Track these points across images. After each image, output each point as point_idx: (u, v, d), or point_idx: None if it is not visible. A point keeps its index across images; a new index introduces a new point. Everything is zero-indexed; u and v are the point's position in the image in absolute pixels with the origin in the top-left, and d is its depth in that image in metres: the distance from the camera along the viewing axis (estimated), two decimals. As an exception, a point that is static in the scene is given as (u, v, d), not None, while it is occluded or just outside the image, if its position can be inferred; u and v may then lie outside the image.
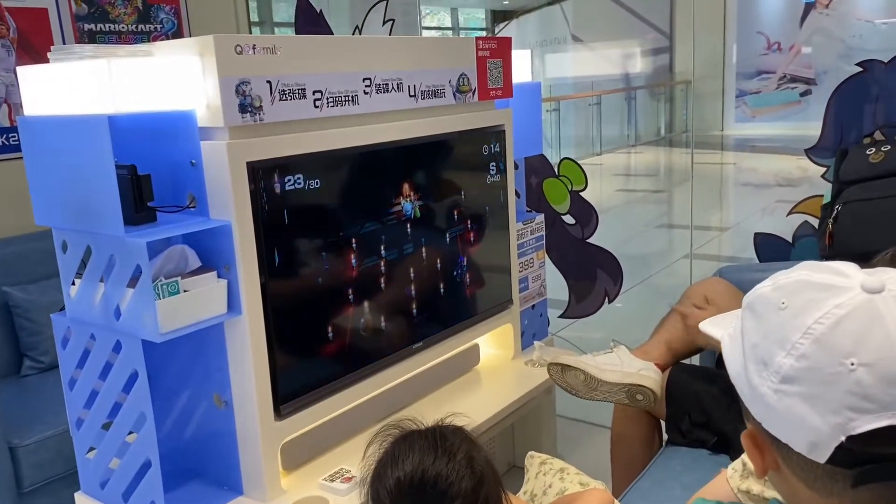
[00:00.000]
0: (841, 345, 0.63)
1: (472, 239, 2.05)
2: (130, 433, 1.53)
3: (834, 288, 0.66)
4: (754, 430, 0.71)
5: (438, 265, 1.95)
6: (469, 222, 2.04)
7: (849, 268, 0.68)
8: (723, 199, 6.92)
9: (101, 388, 1.54)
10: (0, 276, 2.40)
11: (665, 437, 1.90)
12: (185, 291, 1.44)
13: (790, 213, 2.26)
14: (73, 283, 1.54)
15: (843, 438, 0.63)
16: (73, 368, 1.59)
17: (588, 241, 2.64)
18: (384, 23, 2.94)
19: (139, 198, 1.44)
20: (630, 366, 1.82)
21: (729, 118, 8.79)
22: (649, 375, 1.79)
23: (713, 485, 1.24)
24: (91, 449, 1.63)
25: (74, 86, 1.42)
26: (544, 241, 2.40)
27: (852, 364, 0.62)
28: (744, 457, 1.21)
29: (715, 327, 0.80)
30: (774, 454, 0.70)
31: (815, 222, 2.18)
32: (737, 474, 1.22)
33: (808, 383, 0.64)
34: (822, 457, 0.64)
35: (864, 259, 1.17)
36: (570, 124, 9.76)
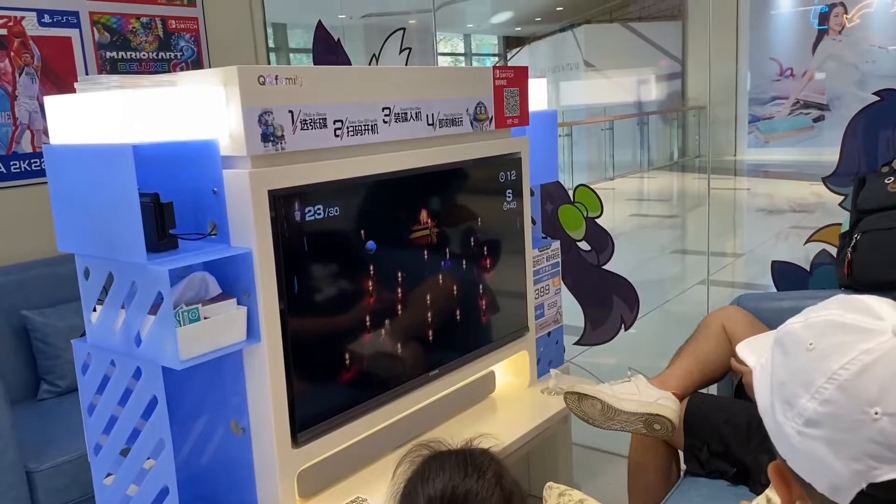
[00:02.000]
0: (866, 392, 0.63)
1: (488, 265, 2.05)
2: (148, 459, 1.54)
3: (865, 331, 0.65)
4: (782, 463, 0.71)
5: (455, 292, 1.95)
6: (485, 249, 2.04)
7: (884, 307, 0.68)
8: (736, 225, 6.90)
9: (121, 413, 1.55)
10: (19, 300, 2.42)
11: (683, 467, 1.89)
12: (205, 318, 1.45)
13: (808, 241, 2.26)
14: (95, 310, 1.55)
15: (864, 486, 0.63)
16: (93, 394, 1.59)
17: (604, 267, 2.64)
18: (401, 51, 2.98)
19: (161, 225, 1.45)
20: (647, 395, 1.81)
21: (742, 143, 8.79)
22: (667, 405, 1.78)
23: None
24: (109, 475, 1.63)
25: (100, 115, 1.44)
26: (560, 268, 2.40)
27: (876, 413, 0.62)
28: (768, 492, 1.20)
29: (750, 353, 0.81)
30: (800, 490, 0.70)
31: (832, 250, 2.17)
32: None
33: (831, 428, 0.64)
34: (844, 500, 0.65)
35: (884, 289, 1.18)
36: (583, 149, 9.79)
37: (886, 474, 0.62)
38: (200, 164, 1.49)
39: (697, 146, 9.75)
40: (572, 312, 2.71)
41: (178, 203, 1.49)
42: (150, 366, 1.45)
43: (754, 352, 0.80)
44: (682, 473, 1.91)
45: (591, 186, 2.63)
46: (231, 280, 1.52)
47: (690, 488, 1.79)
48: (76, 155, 1.47)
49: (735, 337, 1.92)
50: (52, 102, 1.51)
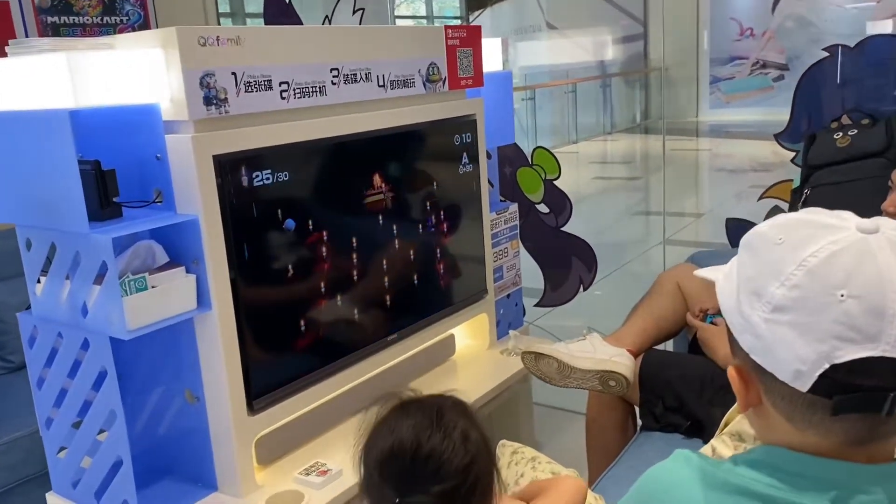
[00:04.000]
0: (833, 277, 0.67)
1: (445, 229, 2.05)
2: (101, 431, 1.52)
3: (831, 227, 0.70)
4: (741, 363, 0.75)
5: (412, 256, 1.94)
6: (442, 213, 2.03)
7: (846, 213, 0.72)
8: (698, 186, 6.97)
9: (70, 386, 1.52)
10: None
11: (639, 422, 1.92)
12: (152, 287, 1.42)
13: (761, 197, 2.28)
14: (39, 281, 1.52)
15: (826, 366, 0.66)
16: (42, 367, 1.57)
17: (562, 229, 2.65)
18: (354, 12, 2.93)
19: (104, 193, 1.42)
20: (602, 352, 1.83)
21: (703, 104, 8.82)
22: (622, 361, 1.81)
23: None
24: (62, 448, 1.61)
25: (34, 80, 1.40)
26: (518, 231, 2.40)
27: (842, 295, 0.66)
28: (713, 441, 1.22)
29: (708, 272, 0.85)
30: (758, 387, 0.74)
31: (785, 206, 2.20)
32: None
33: (799, 312, 0.68)
34: (804, 385, 0.68)
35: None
36: (547, 113, 9.74)
37: (848, 355, 0.66)
38: (142, 130, 1.45)
39: (661, 108, 9.78)
40: (532, 275, 2.72)
41: (122, 170, 1.46)
42: (97, 337, 1.42)
43: (713, 271, 0.84)
44: (638, 429, 1.94)
45: (551, 149, 2.63)
46: (179, 248, 1.49)
47: (646, 443, 1.82)
48: (11, 122, 1.42)
49: (689, 294, 1.95)
50: (-18, 67, 1.46)
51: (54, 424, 1.59)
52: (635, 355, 1.86)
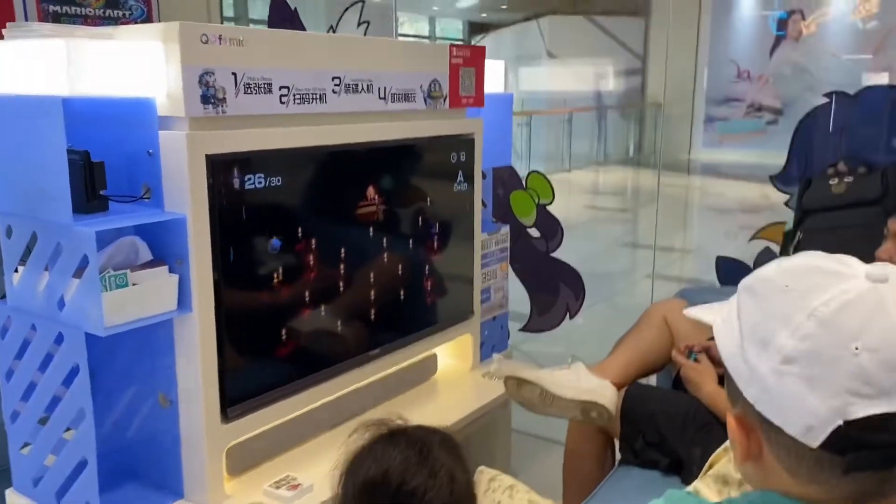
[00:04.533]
0: (846, 328, 0.64)
1: (435, 247, 2.02)
2: (68, 430, 1.47)
3: (840, 275, 0.67)
4: (742, 413, 0.71)
5: (400, 271, 1.92)
6: (433, 230, 2.01)
7: (852, 259, 0.70)
8: (686, 222, 7.00)
9: (40, 380, 1.48)
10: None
11: (618, 456, 1.89)
12: (133, 285, 1.38)
13: (752, 238, 2.28)
14: (17, 271, 1.48)
15: (840, 422, 0.63)
16: (12, 359, 1.52)
17: (552, 255, 2.63)
18: (359, 24, 2.92)
19: (91, 185, 1.38)
20: (586, 382, 1.81)
21: (697, 142, 8.90)
22: (604, 393, 1.78)
23: None
24: (26, 445, 1.56)
25: (30, 65, 1.37)
26: (508, 253, 2.38)
27: (856, 348, 0.63)
28: (696, 483, 1.20)
29: (702, 313, 0.81)
30: (760, 438, 0.70)
31: (776, 248, 2.20)
32: None
33: (810, 364, 0.65)
34: (815, 440, 0.65)
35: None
36: (542, 139, 9.78)
37: (862, 410, 0.63)
38: (135, 124, 1.42)
39: (654, 143, 9.85)
40: (519, 298, 2.70)
41: (112, 164, 1.42)
42: (72, 332, 1.38)
43: (708, 312, 0.80)
44: (616, 462, 1.91)
45: (544, 174, 2.62)
46: (164, 246, 1.46)
47: (623, 477, 1.79)
48: (2, 106, 1.38)
49: (677, 329, 1.93)
50: (-25, 49, 1.42)
51: (20, 419, 1.54)
52: (619, 388, 1.83)
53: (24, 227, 1.43)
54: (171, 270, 1.45)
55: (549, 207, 2.61)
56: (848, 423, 0.63)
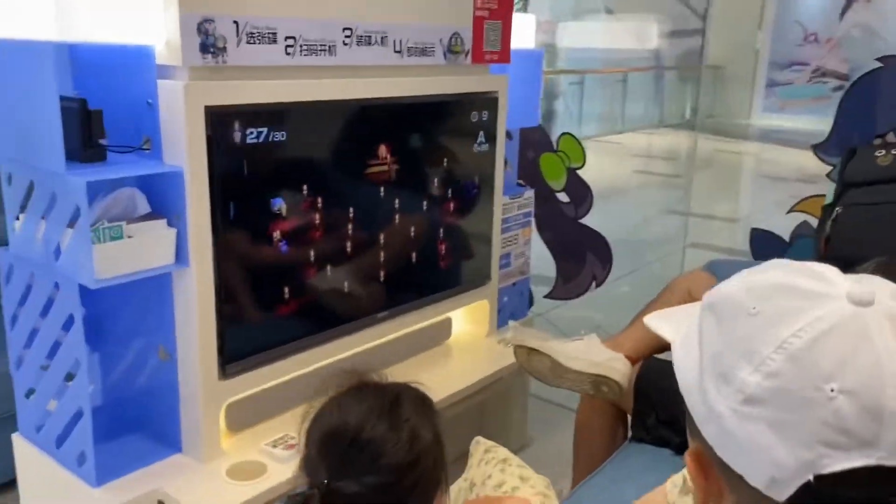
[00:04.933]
0: (820, 365, 0.54)
1: (451, 209, 1.96)
2: (71, 377, 1.48)
3: (816, 296, 0.56)
4: (702, 448, 0.61)
5: (412, 234, 1.87)
6: (449, 191, 1.95)
7: (832, 272, 0.58)
8: (739, 190, 6.75)
9: (41, 327, 1.48)
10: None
11: (630, 432, 1.83)
12: (128, 238, 1.36)
13: (790, 210, 2.16)
14: (18, 218, 1.47)
15: (810, 477, 0.53)
16: (16, 306, 1.53)
17: (580, 221, 2.54)
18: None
19: (88, 134, 1.36)
20: (598, 355, 1.74)
21: (756, 107, 8.55)
22: (616, 367, 1.71)
23: (651, 497, 1.16)
24: (31, 391, 1.58)
25: (27, 8, 1.34)
26: (532, 218, 2.31)
27: (832, 390, 0.53)
28: (685, 471, 1.13)
29: (665, 323, 0.69)
30: (721, 482, 0.60)
31: (814, 222, 2.07)
32: (676, 489, 1.14)
33: (777, 407, 0.55)
34: (781, 495, 0.55)
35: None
36: (596, 100, 9.53)
37: (837, 464, 0.53)
38: (135, 72, 1.39)
39: (711, 106, 9.51)
40: (549, 262, 2.62)
41: (115, 114, 1.40)
42: (66, 282, 1.37)
43: (672, 323, 0.68)
44: (628, 437, 1.85)
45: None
46: (162, 200, 1.43)
47: (633, 454, 1.73)
48: (-1, 50, 1.36)
49: (700, 303, 1.84)
50: (-23, -9, 1.40)
51: (24, 365, 1.56)
52: (633, 362, 1.76)
53: (22, 175, 1.43)
54: (169, 224, 1.43)
55: (579, 171, 2.50)
56: (819, 478, 0.53)
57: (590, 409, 1.89)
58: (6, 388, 1.88)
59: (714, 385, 0.58)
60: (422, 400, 1.02)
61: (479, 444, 1.45)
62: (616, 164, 8.13)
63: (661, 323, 0.69)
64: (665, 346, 1.96)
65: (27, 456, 1.60)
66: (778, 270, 0.60)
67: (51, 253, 1.39)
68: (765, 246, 2.19)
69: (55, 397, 1.51)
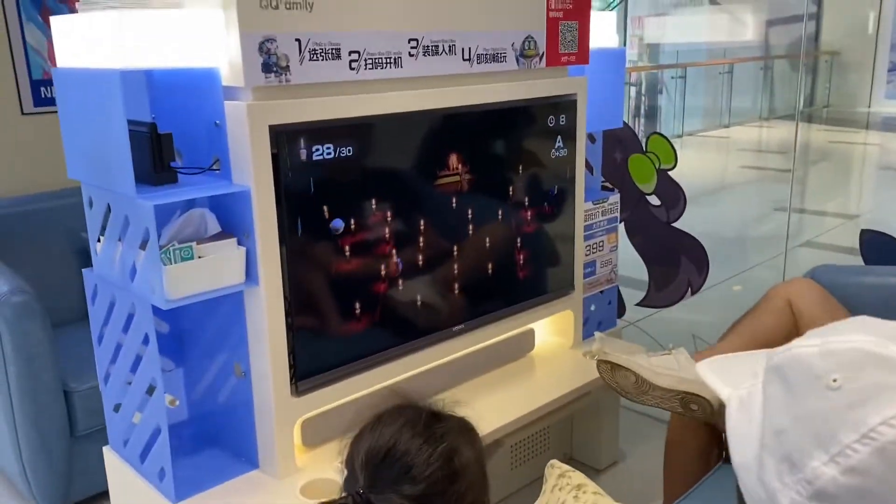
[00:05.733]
0: None
1: (529, 217, 1.90)
2: (152, 391, 1.51)
3: None
4: None
5: (487, 245, 1.81)
6: (526, 199, 1.88)
7: None
8: (859, 184, 6.31)
9: (124, 343, 1.52)
10: (79, 223, 2.45)
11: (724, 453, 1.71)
12: (199, 258, 1.38)
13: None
14: (99, 240, 1.52)
15: None
16: (101, 324, 1.58)
17: (673, 224, 2.41)
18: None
19: (159, 157, 1.38)
20: (688, 371, 1.64)
21: (878, 94, 7.97)
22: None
23: None
24: (118, 405, 1.63)
25: (97, 37, 1.37)
26: (618, 224, 2.21)
27: None
28: None
29: (720, 376, 0.59)
30: None
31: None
32: None
33: None
34: None
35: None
36: (699, 94, 9.17)
37: None
38: (202, 95, 1.41)
39: (827, 95, 8.94)
40: (642, 266, 2.51)
41: (188, 135, 1.43)
42: (141, 303, 1.40)
43: (725, 376, 0.58)
44: (723, 458, 1.72)
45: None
46: (232, 219, 1.44)
47: (726, 478, 1.61)
48: (75, 79, 1.41)
49: (802, 314, 1.69)
50: (57, 22, 1.45)
51: (111, 380, 1.61)
52: None
53: (101, 197, 1.47)
54: (239, 243, 1.43)
55: (670, 172, 2.37)
56: None
57: (681, 426, 1.77)
58: (98, 402, 1.97)
59: (776, 468, 0.48)
60: (463, 423, 1.02)
61: (554, 468, 1.38)
62: (722, 159, 7.82)
63: (716, 376, 0.58)
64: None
65: (116, 469, 1.65)
66: (868, 335, 0.47)
67: (127, 274, 1.42)
68: (877, 249, 2.00)
69: (139, 409, 1.54)
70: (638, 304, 2.54)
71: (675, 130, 7.91)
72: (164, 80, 1.45)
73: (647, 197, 2.44)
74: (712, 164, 7.33)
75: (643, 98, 8.23)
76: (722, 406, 1.52)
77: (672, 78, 8.31)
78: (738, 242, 4.04)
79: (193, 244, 1.37)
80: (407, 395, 1.07)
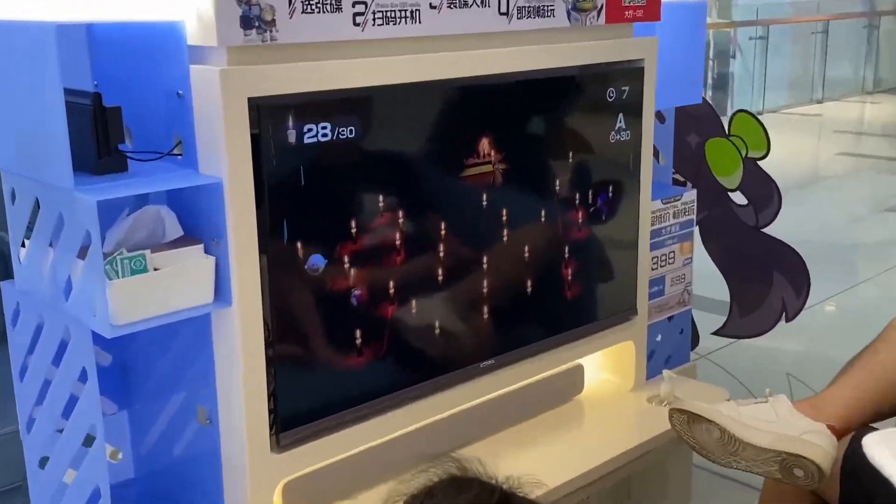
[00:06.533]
0: None
1: (579, 220, 1.91)
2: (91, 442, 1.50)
3: None
4: None
5: (526, 254, 1.82)
6: (579, 196, 1.89)
7: None
8: None
9: (53, 380, 1.51)
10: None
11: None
12: (154, 270, 1.36)
13: None
14: (24, 245, 1.50)
15: None
16: (24, 354, 1.56)
17: (764, 231, 2.42)
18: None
19: (104, 138, 1.36)
20: (789, 425, 1.64)
21: None
22: (816, 442, 1.60)
23: None
24: (45, 459, 1.61)
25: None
26: (693, 229, 2.22)
27: None
28: None
29: (891, 454, 0.60)
30: None
31: None
32: None
33: None
34: None
35: None
36: (785, 59, 9.19)
37: None
38: (160, 57, 1.40)
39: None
40: (717, 282, 2.52)
41: (140, 110, 1.42)
42: (78, 328, 1.39)
43: None
44: (832, 539, 1.71)
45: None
46: (198, 220, 1.43)
47: (839, 565, 1.59)
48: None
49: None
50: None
51: (36, 426, 1.59)
52: (839, 435, 1.64)
53: (27, 190, 1.46)
54: (206, 251, 1.42)
55: (761, 163, 2.37)
56: None
57: (777, 496, 1.79)
58: (18, 452, 1.94)
59: None
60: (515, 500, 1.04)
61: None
62: (813, 144, 7.83)
63: (886, 450, 0.59)
64: (888, 412, 1.79)
65: (40, 541, 1.63)
66: None
67: (60, 289, 1.41)
68: None
69: (72, 465, 1.52)
70: (715, 333, 2.57)
71: (752, 106, 7.94)
72: (111, 36, 1.44)
73: (730, 194, 2.46)
74: (801, 149, 7.35)
75: (712, 64, 8.26)
76: (834, 467, 1.50)
77: (749, 39, 8.33)
78: (837, 252, 4.04)
79: (147, 252, 1.36)
80: (464, 463, 1.08)
